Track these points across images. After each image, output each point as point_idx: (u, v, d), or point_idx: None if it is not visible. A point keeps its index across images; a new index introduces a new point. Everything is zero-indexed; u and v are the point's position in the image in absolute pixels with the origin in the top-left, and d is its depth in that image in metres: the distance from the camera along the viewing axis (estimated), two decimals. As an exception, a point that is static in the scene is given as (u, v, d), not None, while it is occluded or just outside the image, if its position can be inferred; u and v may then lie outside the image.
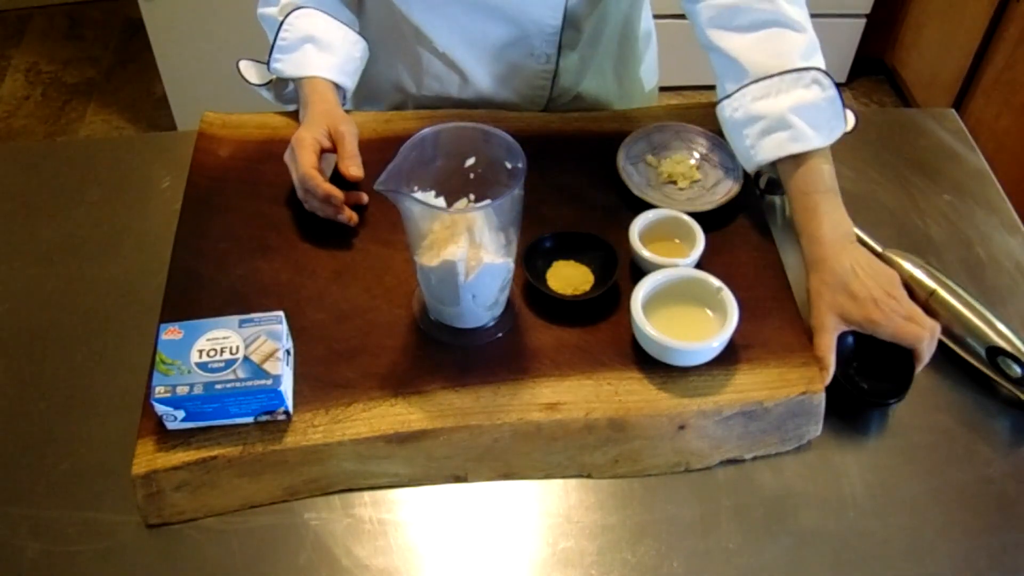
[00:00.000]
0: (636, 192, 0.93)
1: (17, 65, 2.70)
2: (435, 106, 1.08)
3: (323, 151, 0.90)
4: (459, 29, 1.01)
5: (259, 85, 1.03)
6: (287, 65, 0.97)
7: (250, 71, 1.04)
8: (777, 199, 1.00)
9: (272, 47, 0.97)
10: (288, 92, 1.05)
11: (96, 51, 2.76)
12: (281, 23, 0.97)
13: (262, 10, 1.01)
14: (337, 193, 0.87)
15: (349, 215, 0.89)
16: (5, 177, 1.03)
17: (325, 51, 0.97)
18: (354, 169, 0.89)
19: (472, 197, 0.79)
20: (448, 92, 1.07)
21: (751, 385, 0.78)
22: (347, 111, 1.00)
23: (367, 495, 0.76)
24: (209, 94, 1.99)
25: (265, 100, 1.06)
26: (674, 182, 0.96)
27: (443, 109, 1.06)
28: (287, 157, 0.91)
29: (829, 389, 0.79)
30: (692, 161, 0.98)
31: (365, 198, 0.92)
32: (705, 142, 0.99)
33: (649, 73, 1.20)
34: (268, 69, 0.99)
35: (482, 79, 1.05)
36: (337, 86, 0.99)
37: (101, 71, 2.69)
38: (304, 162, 0.87)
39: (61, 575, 0.71)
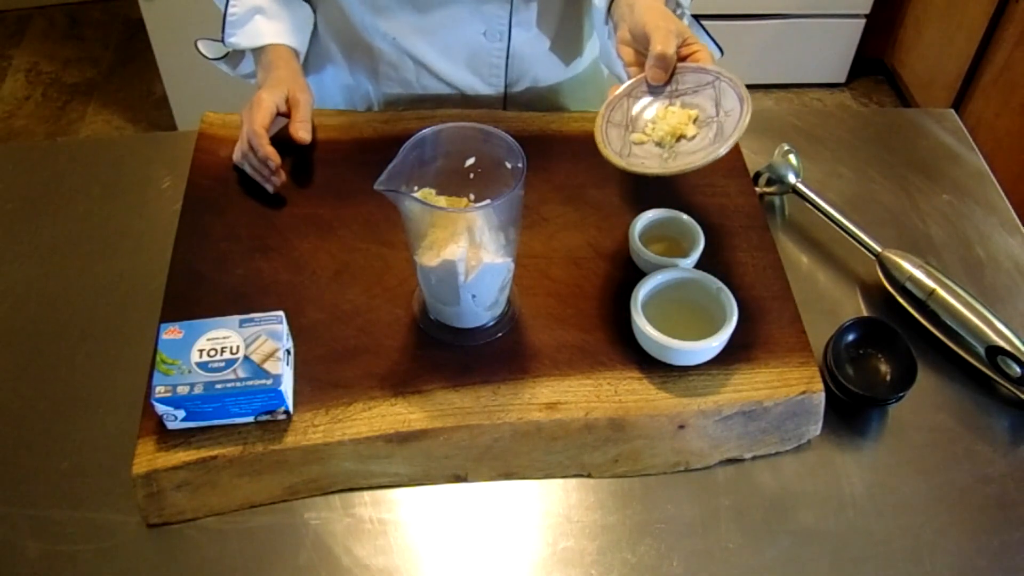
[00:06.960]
0: (637, 169, 0.74)
1: (17, 65, 2.71)
2: (397, 99, 1.09)
3: (278, 115, 0.95)
4: (409, 10, 1.01)
5: (217, 59, 1.07)
6: (241, 38, 1.00)
7: (208, 48, 1.07)
8: (777, 199, 1.00)
9: (224, 23, 1.01)
10: (244, 65, 1.08)
11: (96, 51, 2.76)
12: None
13: None
14: (276, 158, 0.91)
15: (280, 179, 0.93)
16: (5, 177, 1.03)
17: (274, 19, 1.01)
18: (302, 132, 0.94)
19: (472, 197, 0.79)
20: (407, 79, 1.08)
21: (751, 385, 0.78)
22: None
23: (367, 495, 0.76)
24: (209, 94, 1.98)
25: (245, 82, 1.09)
26: (677, 139, 0.77)
27: (443, 109, 1.05)
28: (244, 113, 0.95)
29: (828, 389, 0.79)
30: (675, 108, 0.79)
31: (283, 177, 0.94)
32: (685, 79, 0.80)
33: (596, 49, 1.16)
34: (224, 44, 1.02)
35: (436, 62, 1.06)
36: (293, 51, 1.02)
37: (101, 71, 2.69)
38: (256, 120, 0.92)
39: (61, 575, 0.71)
